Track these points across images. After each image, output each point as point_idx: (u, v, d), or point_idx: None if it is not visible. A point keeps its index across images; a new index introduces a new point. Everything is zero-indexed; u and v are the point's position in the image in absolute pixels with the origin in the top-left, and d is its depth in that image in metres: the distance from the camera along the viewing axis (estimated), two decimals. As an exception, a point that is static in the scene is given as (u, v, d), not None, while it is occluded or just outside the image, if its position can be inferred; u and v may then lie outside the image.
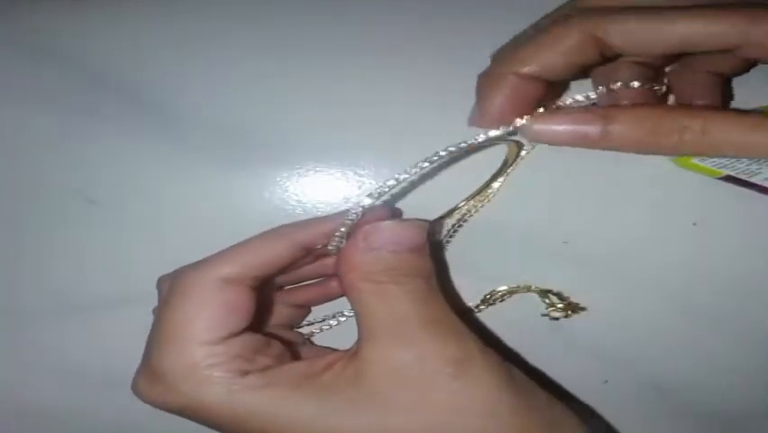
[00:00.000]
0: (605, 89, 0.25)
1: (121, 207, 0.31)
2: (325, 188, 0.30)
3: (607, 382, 0.32)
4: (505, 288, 0.31)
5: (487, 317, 0.32)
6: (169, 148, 0.30)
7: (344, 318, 0.32)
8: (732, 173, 0.26)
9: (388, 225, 0.25)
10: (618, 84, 0.25)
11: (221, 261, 0.25)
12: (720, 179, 0.27)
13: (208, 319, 0.24)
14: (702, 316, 0.31)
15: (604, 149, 0.23)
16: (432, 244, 0.26)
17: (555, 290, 0.31)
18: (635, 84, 0.25)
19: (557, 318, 0.31)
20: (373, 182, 0.30)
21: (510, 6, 0.29)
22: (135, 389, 0.24)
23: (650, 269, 0.31)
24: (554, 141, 0.23)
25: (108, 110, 0.30)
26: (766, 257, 0.30)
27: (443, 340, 0.24)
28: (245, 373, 0.23)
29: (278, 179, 0.30)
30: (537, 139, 0.23)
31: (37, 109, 0.31)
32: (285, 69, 0.30)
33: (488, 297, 0.31)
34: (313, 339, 0.32)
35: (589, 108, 0.23)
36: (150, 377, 0.24)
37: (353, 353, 0.24)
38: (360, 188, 0.30)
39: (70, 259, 0.31)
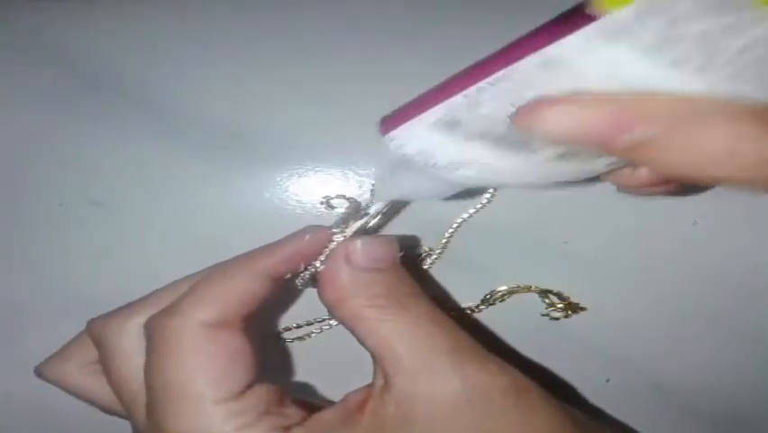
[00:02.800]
0: None
1: (121, 208, 0.31)
2: (325, 188, 0.30)
3: (608, 381, 0.32)
4: (505, 288, 0.31)
5: (487, 317, 0.32)
6: (168, 148, 0.30)
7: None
8: None
9: (364, 242, 0.23)
10: None
11: (195, 303, 0.23)
12: None
13: (211, 372, 0.22)
14: (702, 315, 0.31)
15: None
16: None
17: (555, 290, 0.31)
18: None
19: (557, 318, 0.31)
20: (373, 182, 0.30)
21: (510, 6, 0.29)
22: None
23: (650, 269, 0.31)
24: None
25: (109, 110, 0.30)
26: (766, 257, 0.30)
27: (488, 368, 0.22)
28: (287, 429, 0.22)
29: (278, 179, 0.30)
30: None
31: (37, 109, 0.31)
32: (285, 70, 0.30)
33: (488, 297, 0.31)
34: (312, 339, 0.32)
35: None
36: None
37: (383, 388, 0.22)
38: (360, 187, 0.30)
39: (70, 259, 0.31)
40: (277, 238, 0.27)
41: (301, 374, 0.32)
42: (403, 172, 0.22)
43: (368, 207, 0.25)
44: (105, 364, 0.25)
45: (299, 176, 0.30)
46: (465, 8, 0.30)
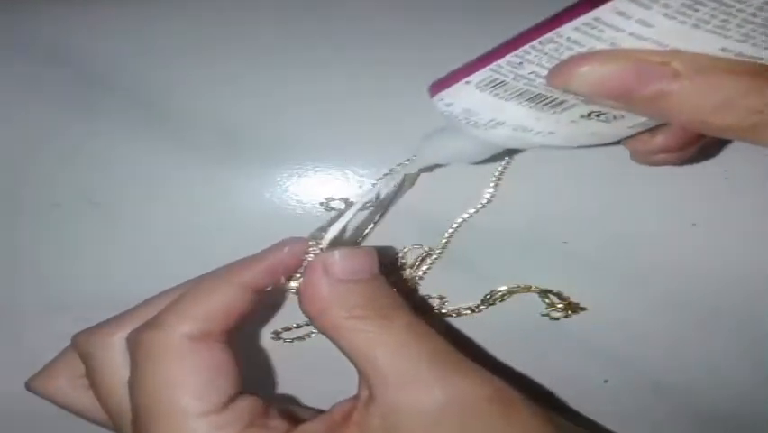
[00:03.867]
0: None
1: (120, 208, 0.31)
2: (325, 188, 0.30)
3: (607, 381, 0.32)
4: (505, 288, 0.31)
5: (487, 317, 0.32)
6: (168, 148, 0.30)
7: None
8: None
9: (342, 253, 0.23)
10: None
11: (177, 317, 0.23)
12: None
13: (195, 385, 0.22)
14: (702, 316, 0.31)
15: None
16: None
17: (555, 290, 0.31)
18: None
19: (557, 318, 0.31)
20: (374, 182, 0.30)
21: (509, 7, 0.29)
22: None
23: (650, 269, 0.31)
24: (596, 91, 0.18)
25: (108, 110, 0.30)
26: (766, 257, 0.30)
27: (467, 378, 0.22)
28: None
29: (278, 179, 0.30)
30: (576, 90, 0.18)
31: (36, 109, 0.31)
32: (286, 70, 0.30)
33: (488, 297, 0.31)
34: (312, 339, 0.32)
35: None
36: None
37: (368, 399, 0.23)
38: (360, 187, 0.30)
39: (69, 259, 0.31)
40: (277, 238, 0.27)
41: (301, 374, 0.32)
42: (442, 136, 0.24)
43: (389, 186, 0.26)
44: (91, 379, 0.25)
45: (299, 176, 0.30)
46: (467, 9, 0.30)
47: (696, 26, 0.16)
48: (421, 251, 0.31)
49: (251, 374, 0.31)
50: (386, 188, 0.26)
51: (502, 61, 0.19)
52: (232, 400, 0.23)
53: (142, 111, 0.30)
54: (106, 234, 0.31)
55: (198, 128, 0.30)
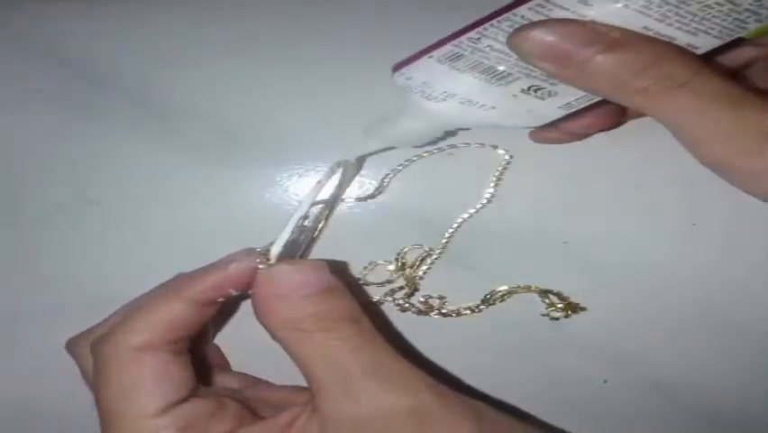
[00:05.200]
0: None
1: (120, 208, 0.31)
2: (325, 188, 0.30)
3: (606, 381, 0.32)
4: (505, 288, 0.31)
5: (487, 317, 0.32)
6: (168, 148, 0.30)
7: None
8: None
9: (288, 269, 0.24)
10: None
11: (126, 329, 0.24)
12: None
13: (139, 391, 0.23)
14: (702, 316, 0.31)
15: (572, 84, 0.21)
16: (352, 285, 0.25)
17: (555, 290, 0.31)
18: None
19: (557, 318, 0.31)
20: (374, 182, 0.30)
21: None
22: None
23: (650, 269, 0.31)
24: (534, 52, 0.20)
25: (108, 110, 0.30)
26: (766, 257, 0.30)
27: (393, 391, 0.23)
28: None
29: (278, 179, 0.30)
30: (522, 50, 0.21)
31: (36, 109, 0.31)
32: (285, 69, 0.30)
33: (488, 297, 0.31)
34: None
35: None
36: None
37: (312, 407, 0.24)
38: (360, 187, 0.30)
39: (69, 259, 0.31)
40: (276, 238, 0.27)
41: (296, 374, 0.32)
42: (386, 121, 0.26)
43: (339, 167, 0.27)
44: (86, 381, 0.26)
45: (299, 176, 0.30)
46: (465, 7, 0.30)
47: (626, 6, 0.19)
48: (421, 251, 0.31)
49: (251, 374, 0.31)
50: (329, 184, 0.26)
51: (463, 37, 0.21)
52: (178, 403, 0.24)
53: (142, 111, 0.30)
54: (106, 234, 0.31)
55: (198, 128, 0.30)
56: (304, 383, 0.24)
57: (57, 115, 0.30)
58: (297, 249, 0.28)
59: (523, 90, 0.23)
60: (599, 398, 0.33)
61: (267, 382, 0.30)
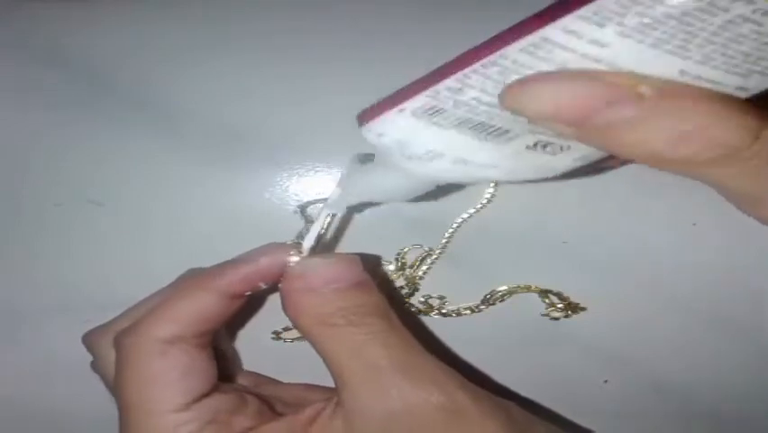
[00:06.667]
0: None
1: (120, 208, 0.31)
2: (325, 188, 0.30)
3: (606, 381, 0.33)
4: (505, 288, 0.31)
5: (487, 317, 0.32)
6: (168, 148, 0.30)
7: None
8: None
9: (320, 262, 0.24)
10: None
11: (153, 321, 0.24)
12: None
13: (165, 384, 0.23)
14: (702, 315, 0.31)
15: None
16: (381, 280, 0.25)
17: (555, 290, 0.31)
18: None
19: (557, 318, 0.31)
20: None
21: (509, 7, 0.29)
22: None
23: (650, 269, 0.31)
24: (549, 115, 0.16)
25: (108, 110, 0.30)
26: (766, 257, 0.30)
27: (424, 387, 0.23)
28: None
29: (278, 179, 0.30)
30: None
31: (36, 109, 0.31)
32: (286, 69, 0.30)
33: (488, 297, 0.31)
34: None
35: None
36: None
37: (336, 402, 0.24)
38: (360, 188, 0.30)
39: (69, 259, 0.31)
40: (277, 238, 0.27)
41: (301, 374, 0.32)
42: (372, 171, 0.22)
43: (320, 214, 0.25)
44: (100, 374, 0.26)
45: (299, 176, 0.30)
46: (462, 8, 0.30)
47: (654, 46, 0.14)
48: (421, 251, 0.31)
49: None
50: (317, 226, 0.25)
51: (440, 86, 0.17)
52: (201, 397, 0.24)
53: (142, 111, 0.30)
54: (106, 234, 0.31)
55: (198, 128, 0.30)
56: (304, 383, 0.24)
57: (55, 114, 0.30)
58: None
59: (528, 147, 0.19)
60: (599, 398, 0.33)
61: (276, 381, 0.30)
